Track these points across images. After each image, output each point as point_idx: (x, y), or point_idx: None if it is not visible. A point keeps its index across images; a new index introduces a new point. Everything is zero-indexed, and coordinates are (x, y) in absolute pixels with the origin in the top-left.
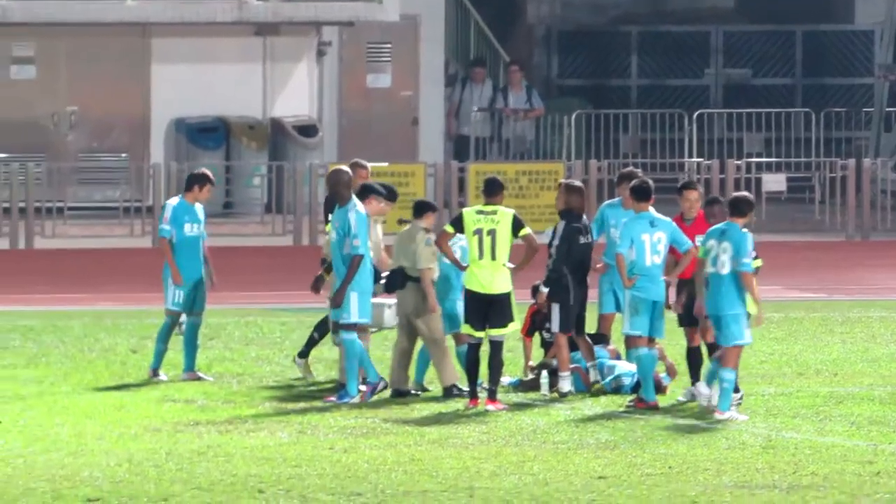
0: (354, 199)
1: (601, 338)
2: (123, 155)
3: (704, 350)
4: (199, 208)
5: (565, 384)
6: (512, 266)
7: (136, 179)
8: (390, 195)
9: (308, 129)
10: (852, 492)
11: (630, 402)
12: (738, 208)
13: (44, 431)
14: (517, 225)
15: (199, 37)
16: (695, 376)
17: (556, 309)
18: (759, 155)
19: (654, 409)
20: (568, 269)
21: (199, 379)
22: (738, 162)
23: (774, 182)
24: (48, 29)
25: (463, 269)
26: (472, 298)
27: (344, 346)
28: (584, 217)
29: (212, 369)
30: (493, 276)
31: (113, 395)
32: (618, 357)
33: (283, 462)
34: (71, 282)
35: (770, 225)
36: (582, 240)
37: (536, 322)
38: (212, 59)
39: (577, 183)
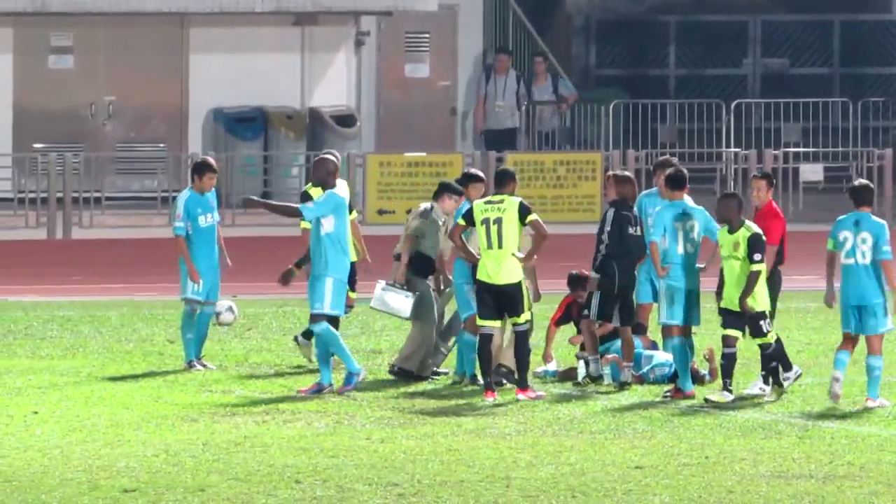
0: (339, 184)
1: (638, 327)
2: (161, 145)
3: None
4: (211, 196)
5: (596, 367)
6: (521, 255)
7: (174, 169)
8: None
9: (346, 119)
10: (889, 482)
11: (667, 391)
12: (864, 196)
13: (81, 422)
14: (524, 212)
15: (238, 27)
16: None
17: (596, 296)
18: (796, 145)
19: (691, 398)
20: (615, 257)
21: (204, 367)
22: (776, 152)
23: (812, 172)
24: (86, 18)
25: (476, 261)
26: (483, 289)
27: (319, 337)
28: (634, 208)
29: (249, 359)
30: (500, 266)
31: (150, 386)
32: (653, 346)
33: (320, 452)
34: (108, 272)
35: (807, 215)
36: (630, 230)
37: (571, 313)
38: (250, 48)
39: (627, 173)
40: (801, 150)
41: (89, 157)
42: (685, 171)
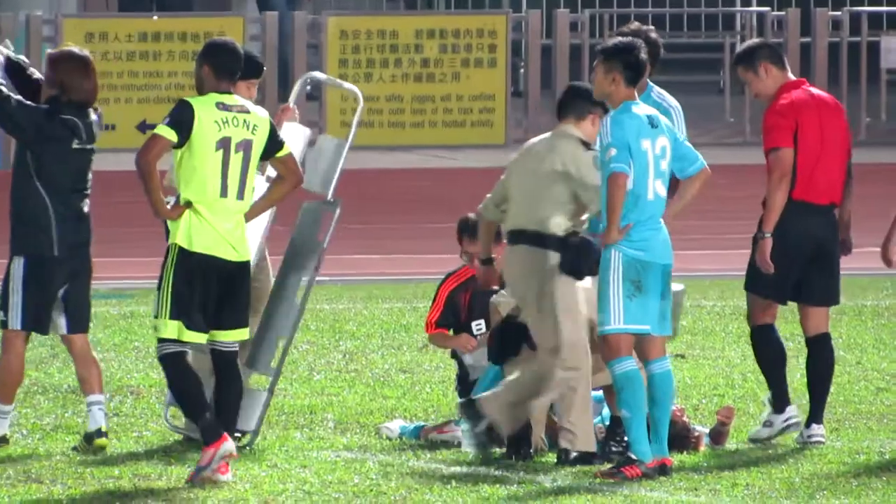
0: None
1: None
2: None
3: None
4: None
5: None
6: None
7: None
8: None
9: None
10: None
11: (606, 469)
12: None
13: None
14: (273, 140)
15: None
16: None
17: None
18: (874, 2)
19: (649, 477)
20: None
21: None
22: (836, 13)
23: None
24: None
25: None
26: (192, 267)
27: None
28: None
29: None
30: (237, 230)
31: None
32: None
33: None
34: None
35: (891, 127)
36: (76, 144)
37: (455, 308)
38: None
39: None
40: (884, 8)
41: None
42: (643, 40)
